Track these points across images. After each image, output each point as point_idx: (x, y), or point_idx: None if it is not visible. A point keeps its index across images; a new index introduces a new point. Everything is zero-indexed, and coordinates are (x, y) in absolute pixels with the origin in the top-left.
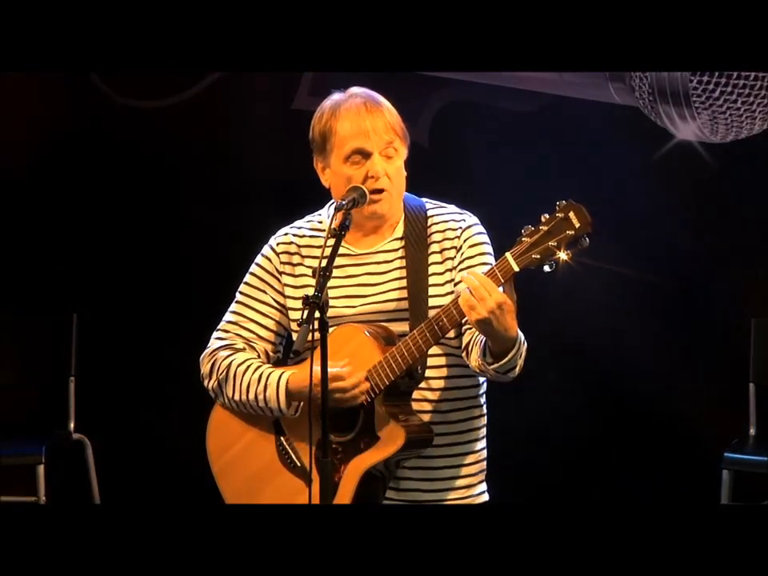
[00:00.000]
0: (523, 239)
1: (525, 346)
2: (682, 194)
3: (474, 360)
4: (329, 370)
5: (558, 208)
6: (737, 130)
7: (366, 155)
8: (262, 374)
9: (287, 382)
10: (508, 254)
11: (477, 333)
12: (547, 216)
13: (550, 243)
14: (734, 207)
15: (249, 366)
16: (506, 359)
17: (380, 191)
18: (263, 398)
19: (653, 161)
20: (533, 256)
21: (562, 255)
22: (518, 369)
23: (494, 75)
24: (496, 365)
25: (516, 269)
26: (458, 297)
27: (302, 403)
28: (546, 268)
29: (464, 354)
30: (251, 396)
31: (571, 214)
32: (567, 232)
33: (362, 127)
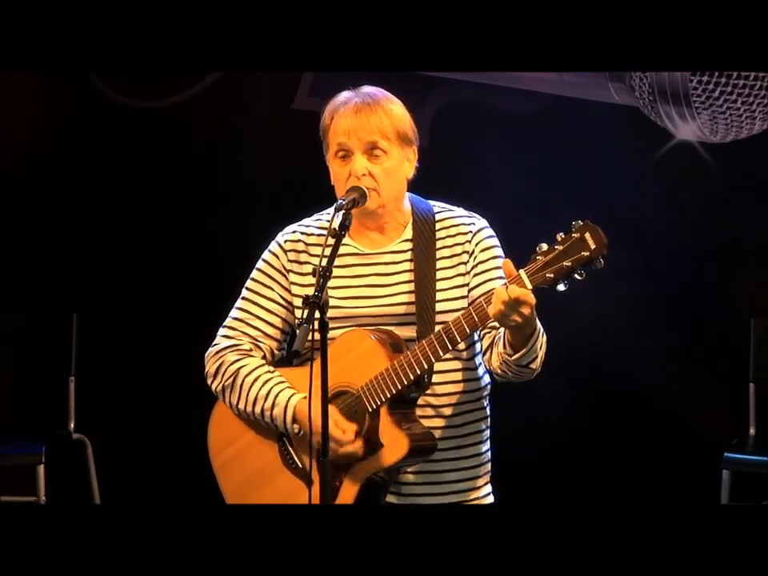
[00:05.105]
0: (538, 257)
1: (544, 338)
2: (681, 193)
3: (496, 359)
4: (332, 430)
5: (573, 228)
6: (737, 130)
7: (349, 154)
8: (270, 390)
9: (295, 407)
10: (522, 272)
11: (495, 336)
12: (563, 235)
13: (564, 263)
14: (733, 207)
15: (257, 378)
16: (527, 348)
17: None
18: (270, 415)
19: (653, 161)
20: (547, 275)
21: (576, 276)
22: (539, 360)
23: (494, 75)
24: (517, 355)
25: (529, 287)
26: (469, 309)
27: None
28: (561, 287)
29: (485, 358)
30: (257, 410)
31: (587, 235)
32: (582, 253)
33: (346, 126)
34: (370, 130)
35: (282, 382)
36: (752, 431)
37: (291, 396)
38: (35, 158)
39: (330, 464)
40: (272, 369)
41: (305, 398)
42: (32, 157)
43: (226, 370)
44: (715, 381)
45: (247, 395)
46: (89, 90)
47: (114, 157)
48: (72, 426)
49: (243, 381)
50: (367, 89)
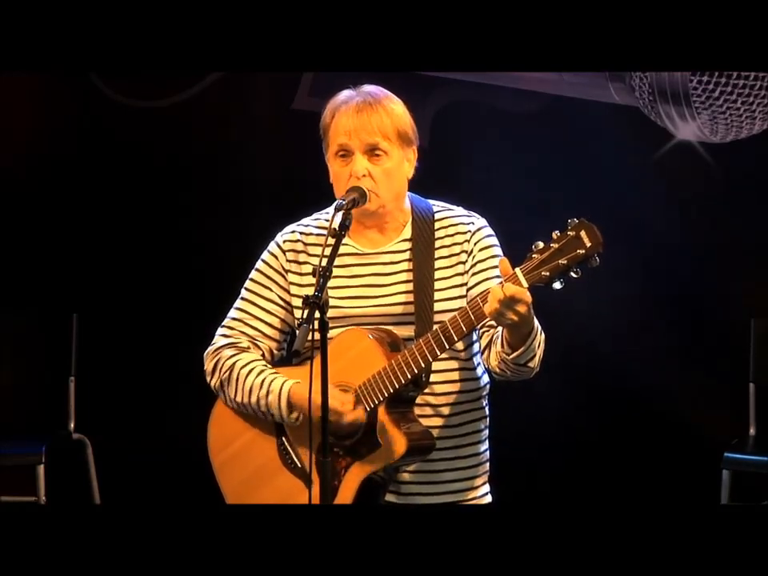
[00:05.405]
0: (533, 256)
1: (543, 336)
2: (681, 193)
3: (494, 358)
4: (330, 402)
5: (569, 226)
6: (737, 130)
7: (349, 154)
8: (264, 378)
9: (289, 392)
10: (518, 270)
11: (494, 335)
12: (558, 233)
13: (560, 261)
14: (733, 207)
15: (252, 369)
16: (525, 346)
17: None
18: (265, 404)
19: (653, 161)
20: (542, 273)
21: (572, 274)
22: (537, 359)
23: (494, 75)
24: (515, 354)
25: (525, 285)
26: (466, 308)
27: (302, 415)
28: (557, 285)
29: (483, 357)
30: (253, 399)
31: (583, 233)
32: (578, 251)
33: (347, 126)
34: (371, 131)
35: (277, 373)
36: (752, 431)
37: (285, 382)
38: (35, 158)
39: (330, 463)
40: (268, 365)
41: (298, 382)
42: (32, 157)
43: (223, 364)
44: (715, 381)
45: (243, 386)
46: (89, 90)
47: (114, 157)
48: (72, 426)
49: (239, 373)
50: (368, 87)
